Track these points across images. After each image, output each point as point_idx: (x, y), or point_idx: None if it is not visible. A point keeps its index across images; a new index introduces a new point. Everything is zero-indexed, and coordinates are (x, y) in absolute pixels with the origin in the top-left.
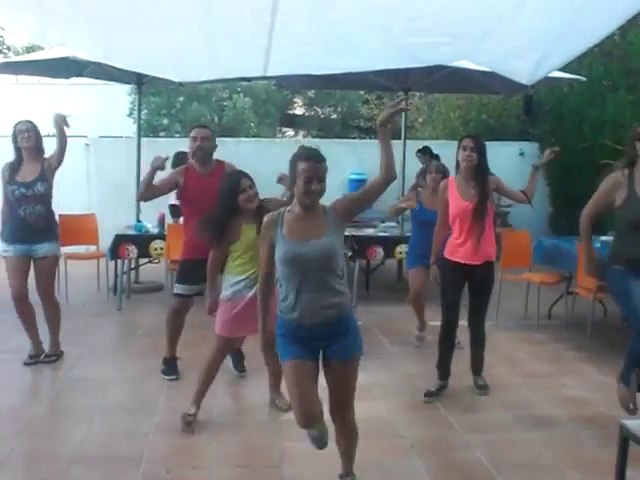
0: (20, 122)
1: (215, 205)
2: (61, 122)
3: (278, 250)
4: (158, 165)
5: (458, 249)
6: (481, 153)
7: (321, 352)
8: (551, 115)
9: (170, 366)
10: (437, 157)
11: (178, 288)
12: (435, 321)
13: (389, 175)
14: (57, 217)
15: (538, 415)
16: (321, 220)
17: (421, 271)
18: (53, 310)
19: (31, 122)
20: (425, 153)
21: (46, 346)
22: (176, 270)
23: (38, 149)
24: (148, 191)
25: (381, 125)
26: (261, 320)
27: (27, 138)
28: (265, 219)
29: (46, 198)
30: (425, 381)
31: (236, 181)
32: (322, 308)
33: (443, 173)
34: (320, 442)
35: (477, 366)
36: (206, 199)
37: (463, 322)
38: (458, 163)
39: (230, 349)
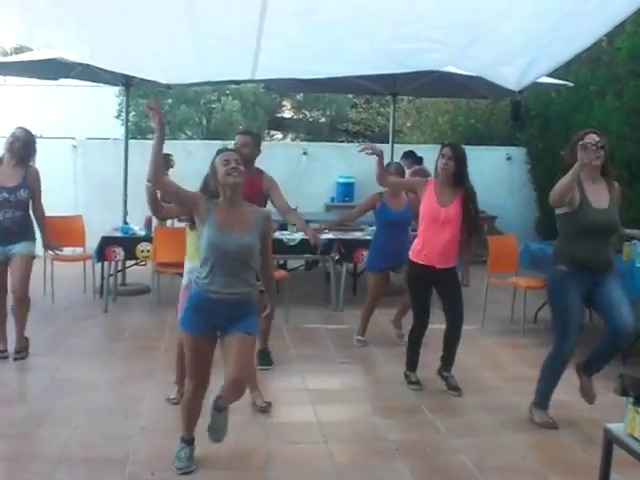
0: (18, 128)
1: None
2: None
3: (204, 233)
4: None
5: (424, 252)
6: (459, 162)
7: (221, 332)
8: (538, 120)
9: None
10: (421, 160)
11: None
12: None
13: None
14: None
15: (523, 419)
16: (249, 218)
17: (383, 277)
18: (21, 306)
19: (26, 131)
20: (408, 157)
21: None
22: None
23: (22, 158)
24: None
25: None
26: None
27: (9, 143)
28: (204, 195)
29: (26, 204)
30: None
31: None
32: (229, 293)
33: (402, 173)
34: (217, 434)
35: (449, 362)
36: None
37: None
38: (437, 169)
39: None
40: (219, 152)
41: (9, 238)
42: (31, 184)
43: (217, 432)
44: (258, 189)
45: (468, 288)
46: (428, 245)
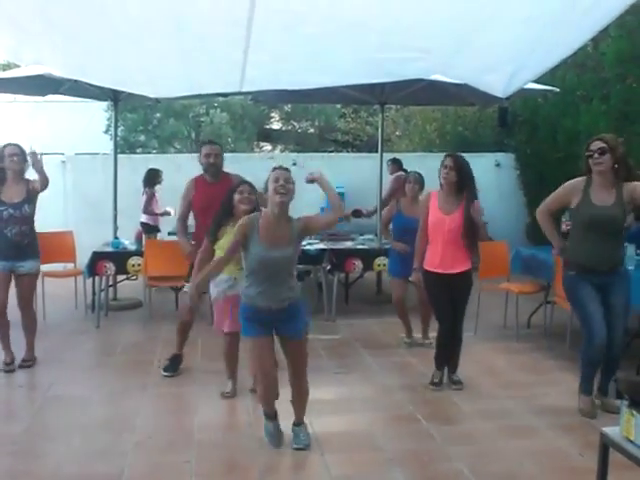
0: (9, 144)
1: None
2: (34, 159)
3: (252, 251)
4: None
5: (437, 260)
6: (460, 171)
7: (276, 332)
8: (526, 126)
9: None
10: (403, 169)
11: (187, 287)
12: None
13: (336, 215)
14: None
15: (519, 425)
16: (288, 232)
17: (402, 282)
18: (31, 320)
19: (19, 146)
20: (395, 163)
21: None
22: (190, 271)
23: (22, 172)
24: (184, 227)
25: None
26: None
27: (16, 162)
28: (244, 218)
29: (31, 219)
30: (405, 393)
31: (237, 185)
32: (279, 301)
33: (421, 183)
34: (275, 440)
35: (454, 363)
36: (215, 206)
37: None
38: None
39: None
40: (274, 169)
41: (18, 254)
42: (33, 198)
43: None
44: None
45: None
46: (437, 253)
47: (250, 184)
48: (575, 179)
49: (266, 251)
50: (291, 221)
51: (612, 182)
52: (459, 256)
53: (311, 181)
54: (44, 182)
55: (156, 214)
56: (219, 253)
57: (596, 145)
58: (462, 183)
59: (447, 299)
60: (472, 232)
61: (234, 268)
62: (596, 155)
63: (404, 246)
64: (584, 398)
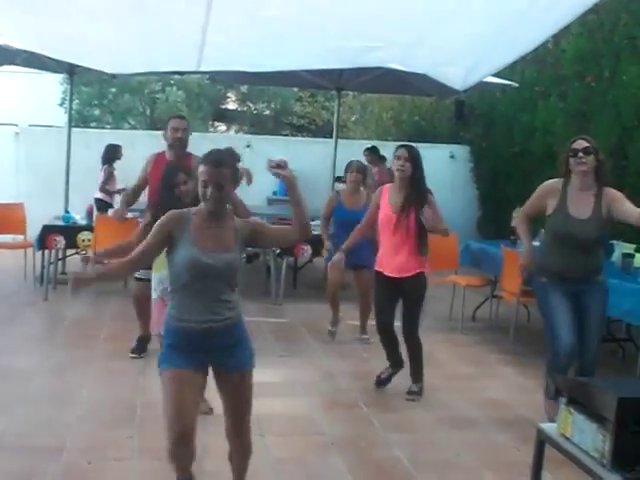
0: None
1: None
2: None
3: (179, 253)
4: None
5: (385, 261)
6: (415, 164)
7: (211, 365)
8: (483, 119)
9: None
10: (384, 158)
11: (140, 273)
12: (355, 320)
13: (302, 235)
14: None
15: (458, 416)
16: (231, 233)
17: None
18: None
19: None
20: (372, 153)
21: None
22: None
23: None
24: (132, 200)
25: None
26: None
27: None
28: (173, 212)
29: None
30: (348, 380)
31: (172, 175)
32: (214, 321)
33: (364, 172)
34: None
35: (415, 375)
36: None
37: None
38: (392, 173)
39: None
40: (201, 160)
41: None
42: None
43: None
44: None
45: None
46: (387, 253)
47: (185, 170)
48: (552, 180)
49: (199, 256)
50: (234, 221)
51: (591, 185)
52: (409, 258)
53: (276, 173)
54: None
55: (112, 192)
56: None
57: (581, 144)
58: (415, 178)
59: (390, 300)
60: (422, 232)
61: None
62: (581, 154)
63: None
64: (551, 402)
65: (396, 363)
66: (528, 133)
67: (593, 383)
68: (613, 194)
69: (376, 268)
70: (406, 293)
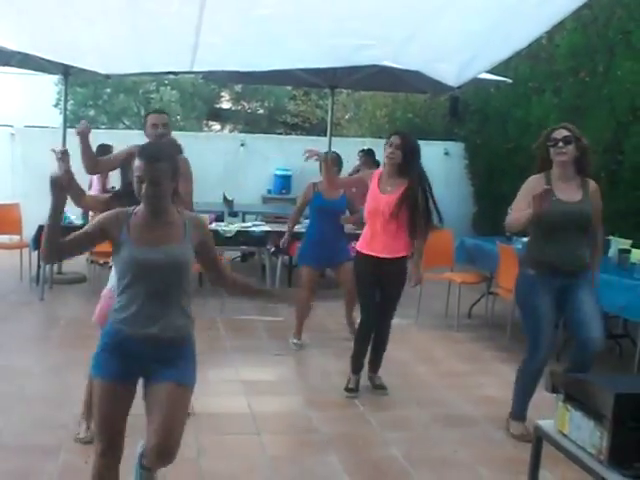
0: None
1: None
2: None
3: (120, 254)
4: (83, 129)
5: (371, 243)
6: (408, 152)
7: (144, 378)
8: (477, 115)
9: None
10: (378, 163)
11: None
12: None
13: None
14: None
15: (455, 414)
16: (177, 228)
17: (314, 271)
18: None
19: None
20: (367, 155)
21: None
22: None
23: None
24: (90, 161)
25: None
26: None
27: None
28: (114, 211)
29: None
30: (343, 378)
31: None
32: (158, 328)
33: (338, 165)
34: None
35: (375, 364)
36: None
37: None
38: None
39: None
40: (138, 154)
41: None
42: None
43: None
44: None
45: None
46: (372, 235)
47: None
48: (532, 177)
49: (138, 253)
50: (182, 215)
51: (573, 176)
52: (394, 241)
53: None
54: None
55: (107, 191)
56: None
57: (561, 133)
58: (407, 166)
59: (374, 286)
60: (413, 217)
61: None
62: (561, 144)
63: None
64: (517, 425)
65: (361, 367)
66: (522, 129)
67: (590, 379)
68: (595, 187)
69: (357, 247)
70: (387, 276)
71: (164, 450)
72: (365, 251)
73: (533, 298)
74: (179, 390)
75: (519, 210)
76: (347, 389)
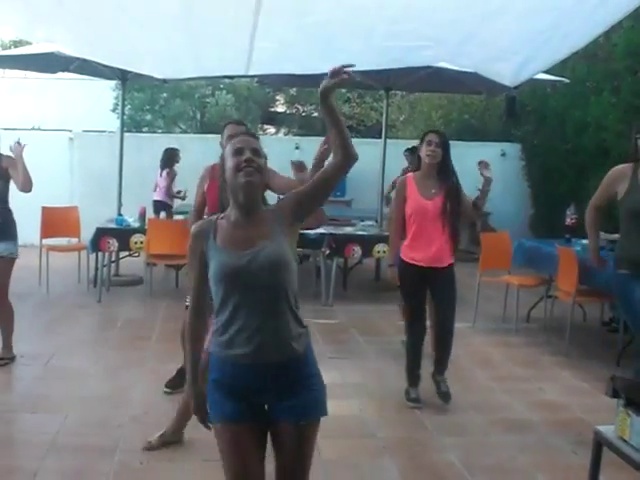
0: None
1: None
2: (17, 150)
3: (211, 266)
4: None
5: (415, 251)
6: (446, 150)
7: (267, 411)
8: (534, 116)
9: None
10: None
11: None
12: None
13: (348, 156)
14: (40, 209)
15: (513, 419)
16: (265, 225)
17: None
18: (5, 313)
19: None
20: (414, 154)
21: None
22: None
23: None
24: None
25: (323, 99)
26: (190, 367)
27: None
28: (193, 227)
29: (2, 197)
30: (400, 381)
31: None
32: (275, 344)
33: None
34: None
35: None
36: None
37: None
38: (420, 159)
39: None
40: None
41: None
42: (4, 172)
43: None
44: None
45: (460, 285)
46: (418, 243)
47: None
48: (620, 165)
49: (229, 259)
50: (268, 209)
51: None
52: (441, 248)
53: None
54: (25, 183)
55: (175, 196)
56: None
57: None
58: (445, 164)
59: (421, 296)
60: (455, 219)
61: None
62: None
63: None
64: None
65: (418, 378)
66: (580, 129)
67: None
68: None
69: (402, 257)
70: (441, 285)
71: None
72: (410, 260)
73: (629, 296)
74: (300, 431)
75: (599, 198)
76: (410, 399)
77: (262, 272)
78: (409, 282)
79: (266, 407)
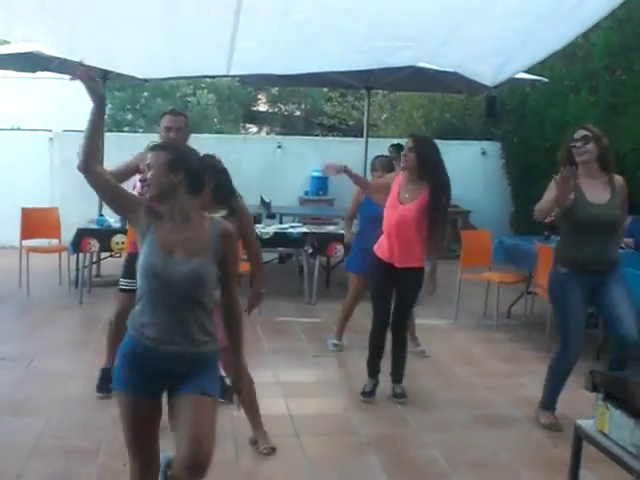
0: None
1: None
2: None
3: (141, 253)
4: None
5: (386, 247)
6: (422, 154)
7: (166, 393)
8: (513, 115)
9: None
10: None
11: (125, 283)
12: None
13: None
14: (20, 210)
15: (495, 414)
16: (199, 238)
17: (364, 279)
18: None
19: None
20: (398, 150)
21: None
22: (123, 264)
23: None
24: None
25: None
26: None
27: None
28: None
29: None
30: (382, 379)
31: None
32: (173, 343)
33: (390, 168)
34: None
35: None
36: None
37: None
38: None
39: None
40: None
41: None
42: None
43: None
44: None
45: (441, 282)
46: (388, 241)
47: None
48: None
49: (158, 258)
50: (212, 222)
51: (598, 174)
52: (410, 250)
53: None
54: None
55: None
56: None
57: (580, 134)
58: (424, 169)
59: (389, 293)
60: (432, 224)
61: None
62: (579, 144)
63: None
64: (547, 414)
65: (377, 371)
66: (559, 128)
67: (629, 378)
68: (621, 181)
69: (375, 251)
70: (404, 284)
71: (194, 466)
72: (380, 255)
73: (564, 296)
74: (204, 400)
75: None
76: (362, 392)
77: (182, 282)
78: (376, 275)
79: (164, 389)
